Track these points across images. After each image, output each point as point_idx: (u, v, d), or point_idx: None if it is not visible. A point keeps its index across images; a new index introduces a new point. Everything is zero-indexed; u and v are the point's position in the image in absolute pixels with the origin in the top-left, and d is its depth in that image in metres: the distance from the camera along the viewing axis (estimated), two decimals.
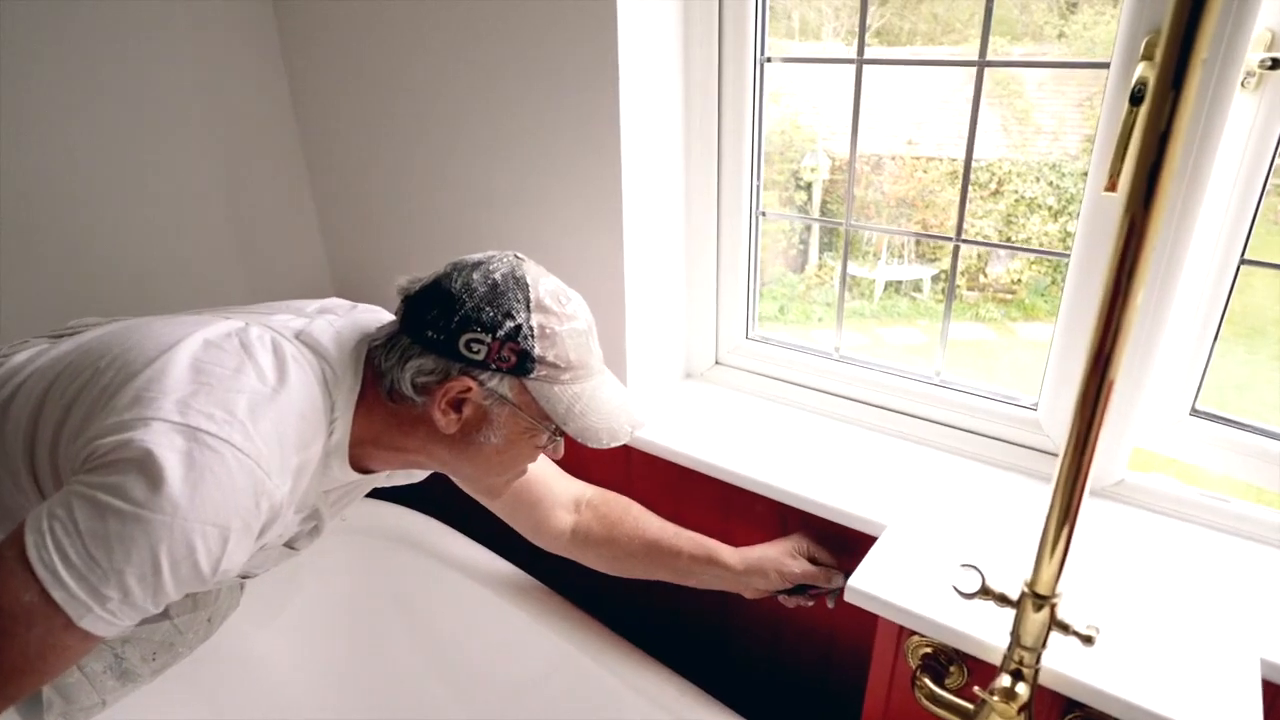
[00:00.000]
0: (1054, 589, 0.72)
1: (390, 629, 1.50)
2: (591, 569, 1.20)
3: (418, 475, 1.13)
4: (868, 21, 1.14)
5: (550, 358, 0.84)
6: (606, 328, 1.24)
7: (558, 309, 0.85)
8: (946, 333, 1.22)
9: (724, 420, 1.32)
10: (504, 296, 0.83)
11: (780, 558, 1.11)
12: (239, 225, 1.61)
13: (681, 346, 1.45)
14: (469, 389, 0.83)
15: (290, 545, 1.00)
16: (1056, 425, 1.12)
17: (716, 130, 1.27)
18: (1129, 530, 1.03)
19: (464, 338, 0.82)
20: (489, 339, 0.82)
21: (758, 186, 1.31)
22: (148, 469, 0.68)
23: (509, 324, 0.82)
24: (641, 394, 1.38)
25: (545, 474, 1.17)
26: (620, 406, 0.91)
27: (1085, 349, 1.05)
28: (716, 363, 1.46)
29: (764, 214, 1.33)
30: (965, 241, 1.16)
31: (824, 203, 6.62)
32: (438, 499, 1.35)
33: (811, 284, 6.74)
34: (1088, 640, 0.71)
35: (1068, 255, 1.05)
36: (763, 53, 1.22)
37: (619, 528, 1.17)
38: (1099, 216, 0.99)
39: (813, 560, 1.12)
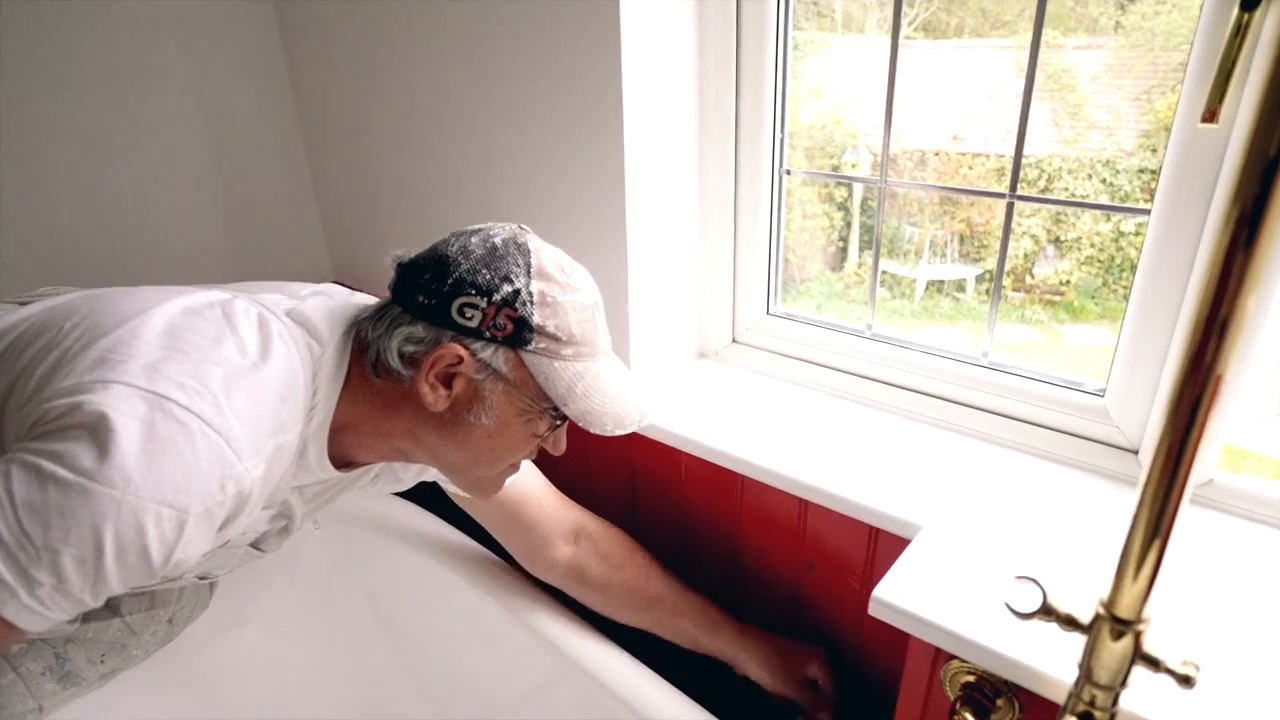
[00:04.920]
0: (1140, 613, 0.55)
1: (370, 634, 1.36)
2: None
3: (401, 481, 1.04)
4: (912, 17, 0.99)
5: (550, 328, 0.76)
6: (608, 299, 1.11)
7: (561, 278, 0.78)
8: (996, 304, 1.06)
9: (740, 404, 1.17)
10: (503, 260, 0.76)
11: (779, 672, 1.06)
12: (234, 203, 1.54)
13: (694, 322, 1.30)
14: (460, 359, 0.75)
15: (256, 546, 0.91)
16: (1129, 415, 0.95)
17: (734, 73, 1.12)
18: (1221, 540, 0.85)
19: (457, 302, 0.75)
20: (484, 303, 0.74)
21: (782, 140, 1.15)
22: (100, 435, 0.61)
23: (506, 288, 0.75)
24: (648, 375, 1.24)
25: (544, 498, 1.09)
26: (628, 392, 0.81)
27: (1172, 327, 0.89)
28: (734, 341, 1.30)
29: (789, 172, 1.17)
30: (1019, 198, 0.99)
31: (864, 199, 6.43)
32: (427, 486, 1.22)
33: (850, 282, 6.54)
34: (1186, 681, 0.55)
35: (1148, 211, 0.89)
36: None
37: (619, 573, 1.09)
38: (1189, 157, 0.82)
39: (815, 683, 1.06)
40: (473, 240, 0.77)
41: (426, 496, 1.34)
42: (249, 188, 1.54)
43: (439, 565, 1.32)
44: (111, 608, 1.06)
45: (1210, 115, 0.68)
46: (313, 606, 1.36)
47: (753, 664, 1.06)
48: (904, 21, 1.02)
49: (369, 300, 0.87)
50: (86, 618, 1.04)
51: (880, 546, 0.96)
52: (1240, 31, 0.68)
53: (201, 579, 0.96)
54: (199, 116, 1.44)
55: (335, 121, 1.51)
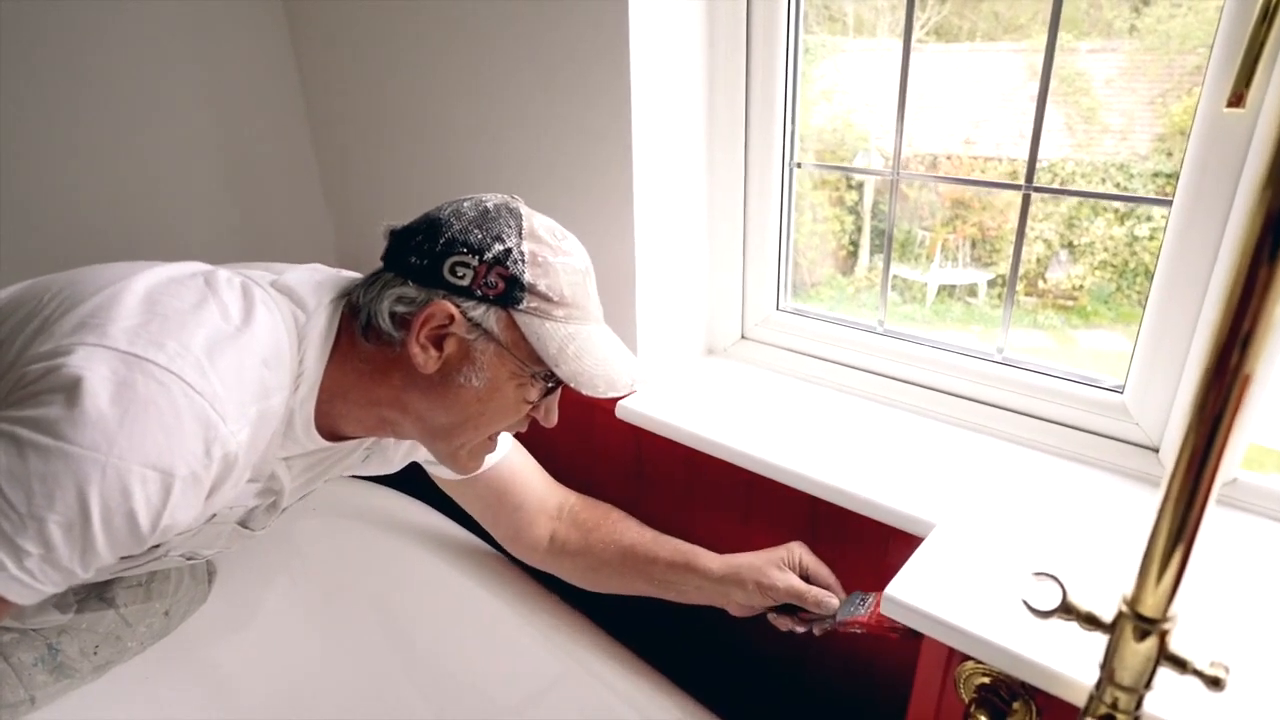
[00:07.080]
0: (1165, 611, 0.53)
1: (372, 631, 1.34)
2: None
3: (391, 462, 1.01)
4: (924, 21, 0.98)
5: (542, 288, 0.76)
6: (615, 296, 1.11)
7: (552, 241, 0.79)
8: (1011, 297, 1.03)
9: (749, 401, 1.15)
10: (495, 222, 0.77)
11: (763, 568, 0.94)
12: (241, 197, 1.52)
13: (703, 318, 1.28)
14: (451, 318, 0.75)
15: (245, 525, 0.88)
16: (1149, 411, 0.92)
17: (744, 63, 1.10)
18: (1245, 540, 0.83)
19: (449, 261, 0.75)
20: (475, 261, 0.75)
21: (792, 132, 1.13)
22: (75, 397, 0.60)
23: (498, 247, 0.75)
24: (656, 372, 1.22)
25: (533, 478, 1.08)
26: (621, 358, 0.81)
27: (1194, 321, 0.86)
28: (743, 337, 1.28)
29: (799, 165, 1.15)
30: (1035, 189, 0.97)
31: (875, 203, 6.40)
32: (431, 484, 1.20)
33: (861, 287, 6.50)
34: (1215, 683, 0.52)
35: (1169, 201, 0.86)
36: None
37: (594, 534, 1.05)
38: (1213, 146, 0.79)
39: (806, 577, 0.94)
40: (465, 205, 0.78)
41: (431, 494, 1.32)
42: (256, 182, 1.53)
43: (443, 563, 1.30)
44: (106, 599, 1.05)
45: (1236, 99, 0.65)
46: (314, 604, 1.35)
47: (738, 590, 0.95)
48: (916, 25, 1.00)
49: (356, 275, 0.87)
50: (80, 609, 1.02)
51: (893, 545, 0.94)
52: (1269, 15, 0.65)
53: (189, 559, 0.94)
54: (206, 110, 1.43)
55: (342, 114, 1.50)
